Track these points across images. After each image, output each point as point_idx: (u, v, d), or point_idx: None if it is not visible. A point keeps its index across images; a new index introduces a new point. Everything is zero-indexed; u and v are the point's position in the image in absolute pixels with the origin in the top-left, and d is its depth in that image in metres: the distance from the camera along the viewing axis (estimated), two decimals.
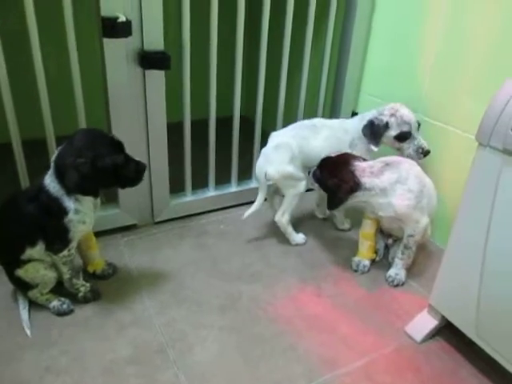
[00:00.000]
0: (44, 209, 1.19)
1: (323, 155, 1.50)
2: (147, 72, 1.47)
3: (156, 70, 1.47)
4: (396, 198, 1.37)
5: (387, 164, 1.40)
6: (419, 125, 1.58)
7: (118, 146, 1.20)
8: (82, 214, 1.22)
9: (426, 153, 1.57)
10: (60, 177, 1.17)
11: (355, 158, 1.44)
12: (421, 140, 1.57)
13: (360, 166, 1.40)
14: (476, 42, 1.48)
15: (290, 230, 1.68)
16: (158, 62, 1.44)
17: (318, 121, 1.69)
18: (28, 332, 1.24)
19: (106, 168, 1.16)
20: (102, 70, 1.44)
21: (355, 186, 1.38)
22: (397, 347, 1.29)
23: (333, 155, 1.46)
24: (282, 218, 1.64)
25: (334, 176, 1.41)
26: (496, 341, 1.13)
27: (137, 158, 1.25)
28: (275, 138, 1.63)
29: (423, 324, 1.32)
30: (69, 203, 1.19)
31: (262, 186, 1.63)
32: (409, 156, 1.56)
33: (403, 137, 1.56)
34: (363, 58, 1.92)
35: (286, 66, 1.80)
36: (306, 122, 1.69)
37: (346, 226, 1.81)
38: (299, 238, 1.71)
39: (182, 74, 1.59)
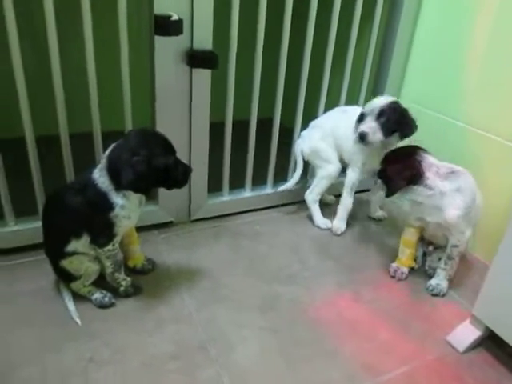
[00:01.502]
0: (91, 202, 1.21)
1: (348, 133, 1.65)
2: (194, 71, 1.49)
3: (203, 69, 1.48)
4: (451, 206, 1.36)
5: (453, 172, 1.38)
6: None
7: (170, 148, 1.22)
8: (128, 210, 1.23)
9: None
10: (111, 172, 1.18)
11: (425, 151, 1.43)
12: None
13: (428, 160, 1.39)
14: None
15: (314, 209, 1.81)
16: (206, 61, 1.45)
17: (350, 107, 1.79)
18: (78, 321, 1.26)
19: (159, 168, 1.18)
20: (151, 67, 1.46)
21: (417, 175, 1.36)
22: (438, 356, 1.27)
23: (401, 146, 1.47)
24: (309, 196, 1.82)
25: (397, 162, 1.39)
26: None
27: (183, 161, 1.27)
28: (313, 121, 1.84)
29: (466, 334, 1.30)
30: (116, 199, 1.21)
31: (298, 162, 1.81)
32: None
33: None
34: (405, 61, 1.91)
35: (328, 69, 1.80)
36: (340, 107, 1.86)
37: (380, 214, 1.87)
38: (321, 221, 1.81)
39: (228, 74, 1.60)
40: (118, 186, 1.19)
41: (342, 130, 1.72)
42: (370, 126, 1.54)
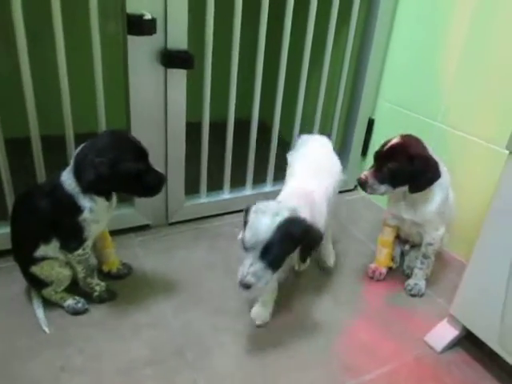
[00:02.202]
0: (58, 205, 1.18)
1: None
2: (169, 71, 1.46)
3: (178, 69, 1.46)
4: (428, 201, 1.35)
5: None
6: None
7: (141, 153, 1.18)
8: (96, 214, 1.20)
9: None
10: (77, 174, 1.15)
11: (417, 137, 1.34)
12: None
13: None
14: (502, 49, 1.47)
15: None
16: (181, 61, 1.43)
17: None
18: (46, 329, 1.22)
19: (123, 172, 1.14)
20: (124, 67, 1.43)
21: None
22: (417, 356, 1.27)
23: (395, 138, 1.31)
24: None
25: (416, 152, 1.27)
26: None
27: (157, 169, 1.22)
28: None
29: (443, 334, 1.30)
30: (84, 202, 1.17)
31: None
32: None
33: None
34: (382, 63, 1.91)
35: (305, 70, 1.79)
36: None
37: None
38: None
39: (204, 74, 1.57)
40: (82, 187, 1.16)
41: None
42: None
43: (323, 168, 1.38)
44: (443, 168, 1.38)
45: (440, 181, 1.33)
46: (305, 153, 1.45)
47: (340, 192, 2.07)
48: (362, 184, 1.34)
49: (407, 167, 1.27)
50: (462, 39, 1.59)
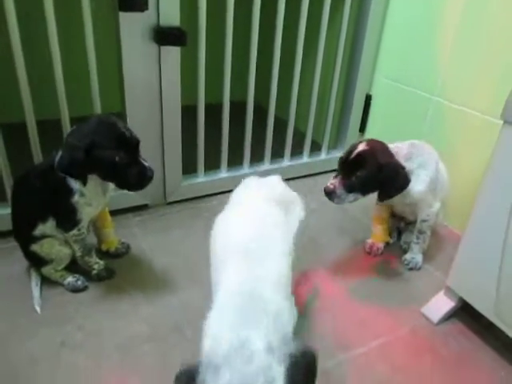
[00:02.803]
0: (51, 187, 1.19)
1: None
2: (162, 48, 1.45)
3: (171, 47, 1.45)
4: (416, 183, 1.32)
5: (413, 146, 1.35)
6: None
7: (125, 143, 1.12)
8: (88, 197, 1.20)
9: None
10: None
11: (382, 142, 1.32)
12: None
13: (393, 150, 1.30)
14: (497, 21, 1.45)
15: None
16: (174, 37, 1.42)
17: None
18: (38, 309, 1.23)
19: (98, 160, 1.10)
20: (117, 45, 1.42)
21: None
22: (413, 328, 1.28)
23: (361, 144, 1.26)
24: None
25: (385, 160, 1.24)
26: None
27: (147, 164, 1.16)
28: None
29: (440, 305, 1.31)
30: (74, 184, 1.17)
31: None
32: None
33: None
34: (379, 38, 1.89)
35: (301, 48, 1.77)
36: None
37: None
38: None
39: (198, 52, 1.56)
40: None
41: None
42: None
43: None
44: (427, 148, 1.38)
45: (423, 162, 1.33)
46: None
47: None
48: (330, 194, 1.28)
49: (376, 175, 1.24)
50: (459, 13, 1.56)
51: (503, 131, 1.06)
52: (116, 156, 1.10)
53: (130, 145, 1.13)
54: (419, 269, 1.49)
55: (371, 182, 1.26)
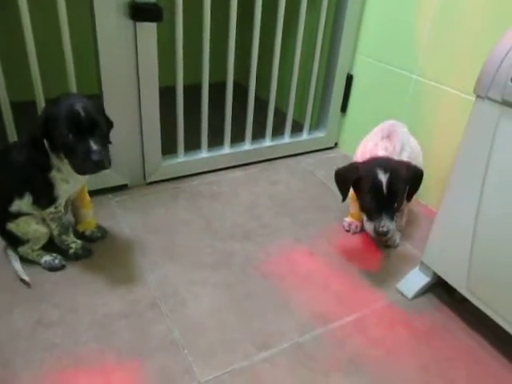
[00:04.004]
0: (30, 161, 1.18)
1: None
2: (138, 25, 1.43)
3: (148, 23, 1.42)
4: None
5: (388, 136, 1.40)
6: None
7: (77, 123, 1.07)
8: (65, 173, 1.19)
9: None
10: None
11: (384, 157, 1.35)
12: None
13: (387, 152, 1.36)
14: (475, 0, 1.44)
15: None
16: (150, 13, 1.39)
17: None
18: (26, 278, 1.24)
19: (52, 137, 1.11)
20: (92, 22, 1.39)
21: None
22: (388, 303, 1.30)
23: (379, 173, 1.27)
24: None
25: (404, 173, 1.28)
26: (486, 294, 1.14)
27: (96, 148, 1.08)
28: None
29: (415, 281, 1.33)
30: (52, 159, 1.17)
31: None
32: None
33: None
34: (360, 17, 1.87)
35: (280, 26, 1.76)
36: None
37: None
38: None
39: (175, 30, 1.54)
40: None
41: None
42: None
43: None
44: (395, 128, 1.43)
45: (403, 145, 1.39)
46: None
47: (319, 150, 2.09)
48: (387, 234, 1.29)
49: (405, 190, 1.30)
50: None
51: (475, 105, 1.06)
52: (64, 135, 1.08)
53: (81, 126, 1.08)
54: (397, 246, 1.50)
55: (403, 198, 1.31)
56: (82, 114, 1.08)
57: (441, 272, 1.26)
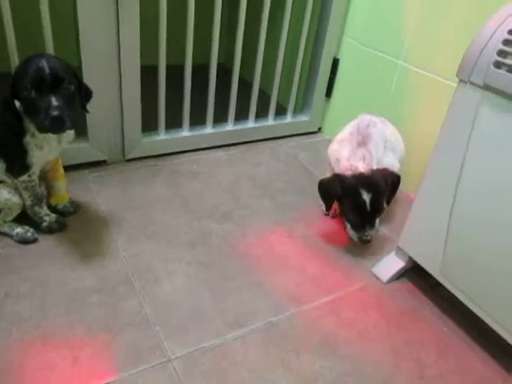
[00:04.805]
0: (4, 125, 1.15)
1: None
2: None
3: None
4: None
5: (364, 143, 1.42)
6: None
7: (39, 79, 1.05)
8: (39, 139, 1.17)
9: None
10: None
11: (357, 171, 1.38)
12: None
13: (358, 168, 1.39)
14: None
15: None
16: None
17: None
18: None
19: (17, 94, 1.09)
20: None
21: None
22: (362, 286, 1.30)
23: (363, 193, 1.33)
24: None
25: (383, 185, 1.35)
26: (460, 280, 1.15)
27: (56, 103, 1.05)
28: None
29: (390, 265, 1.33)
30: (28, 124, 1.14)
31: None
32: None
33: None
34: (348, 0, 1.85)
35: (267, 6, 1.73)
36: None
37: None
38: None
39: (159, 6, 1.50)
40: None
41: None
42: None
43: None
44: (375, 124, 1.46)
45: (376, 144, 1.43)
46: None
47: (302, 134, 2.08)
48: (369, 241, 1.37)
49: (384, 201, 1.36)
50: None
51: (458, 89, 1.06)
52: (27, 90, 1.06)
53: (44, 81, 1.05)
54: (376, 231, 1.50)
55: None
56: (47, 70, 1.05)
57: (416, 257, 1.27)
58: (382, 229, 1.53)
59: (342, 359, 1.09)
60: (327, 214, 1.56)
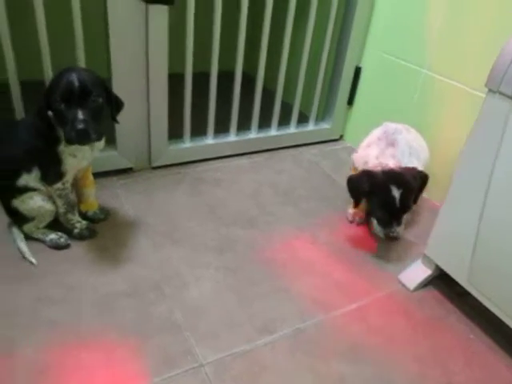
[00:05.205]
0: (39, 135, 1.19)
1: None
2: (150, 8, 1.42)
3: (159, 5, 1.42)
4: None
5: (393, 145, 1.44)
6: None
7: (69, 92, 1.09)
8: (73, 148, 1.20)
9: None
10: None
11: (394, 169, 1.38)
12: None
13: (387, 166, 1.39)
14: None
15: None
16: None
17: None
18: (33, 260, 1.24)
19: (50, 107, 1.13)
20: (104, 4, 1.39)
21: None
22: (389, 293, 1.30)
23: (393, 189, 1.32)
24: None
25: (413, 182, 1.35)
26: (488, 288, 1.15)
27: (82, 117, 1.08)
28: None
29: (416, 273, 1.34)
30: (60, 133, 1.17)
31: None
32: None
33: None
34: (371, 9, 1.87)
35: (292, 17, 1.76)
36: None
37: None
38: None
39: (186, 16, 1.54)
40: None
41: None
42: None
43: None
44: (401, 132, 1.48)
45: (411, 146, 1.45)
46: None
47: (324, 142, 2.10)
48: (396, 238, 1.40)
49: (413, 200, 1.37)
50: None
51: (486, 99, 1.06)
52: (57, 102, 1.10)
53: (73, 95, 1.09)
54: (400, 238, 1.50)
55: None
56: (76, 83, 1.09)
57: (443, 265, 1.27)
58: (406, 236, 1.54)
59: (369, 365, 1.09)
60: (352, 221, 1.57)
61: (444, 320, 1.24)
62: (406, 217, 1.45)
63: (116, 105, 1.24)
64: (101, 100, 1.14)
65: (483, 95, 1.07)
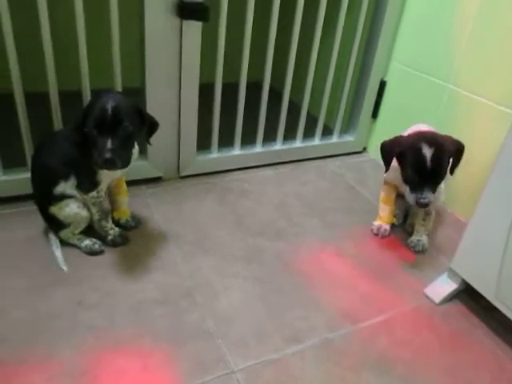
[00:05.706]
0: (77, 146, 1.25)
1: None
2: (185, 23, 1.47)
3: (194, 21, 1.47)
4: None
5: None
6: None
7: (100, 121, 1.14)
8: None
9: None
10: None
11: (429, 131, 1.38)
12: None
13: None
14: None
15: None
16: (197, 12, 1.44)
17: None
18: (65, 268, 1.29)
19: (83, 130, 1.17)
20: (140, 19, 1.45)
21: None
22: (415, 307, 1.32)
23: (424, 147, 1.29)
24: None
25: (449, 146, 1.31)
26: None
27: (110, 146, 1.12)
28: None
29: (442, 287, 1.35)
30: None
31: None
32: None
33: None
34: (397, 24, 1.90)
35: (319, 32, 1.80)
36: None
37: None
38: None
39: (218, 28, 1.58)
40: None
41: None
42: None
43: None
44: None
45: None
46: None
47: (347, 154, 2.12)
48: (427, 205, 1.33)
49: (447, 166, 1.32)
50: (477, 1, 1.57)
51: None
52: (91, 128, 1.15)
53: (105, 124, 1.14)
54: (425, 251, 1.52)
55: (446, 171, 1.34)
56: (109, 112, 1.14)
57: (469, 279, 1.28)
58: (431, 249, 1.55)
59: (397, 378, 1.11)
60: (377, 234, 1.59)
61: (470, 334, 1.26)
62: (426, 223, 1.46)
63: (150, 127, 1.29)
64: (131, 128, 1.17)
65: (509, 111, 1.09)
